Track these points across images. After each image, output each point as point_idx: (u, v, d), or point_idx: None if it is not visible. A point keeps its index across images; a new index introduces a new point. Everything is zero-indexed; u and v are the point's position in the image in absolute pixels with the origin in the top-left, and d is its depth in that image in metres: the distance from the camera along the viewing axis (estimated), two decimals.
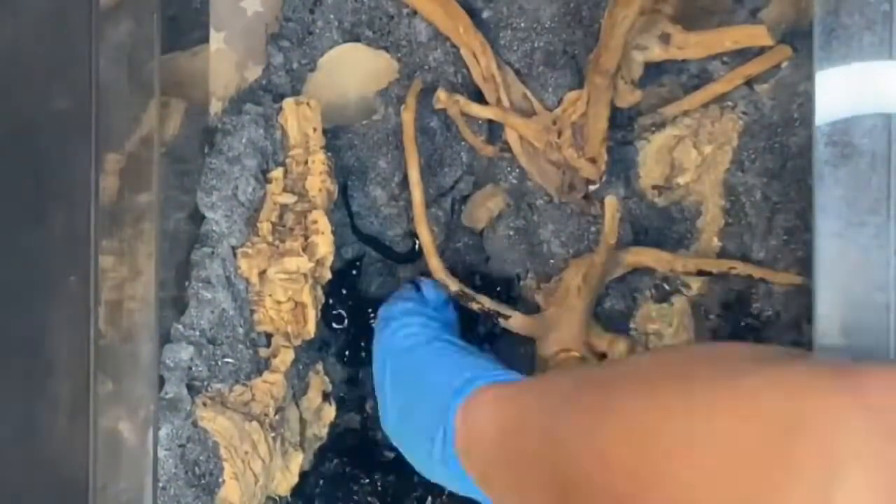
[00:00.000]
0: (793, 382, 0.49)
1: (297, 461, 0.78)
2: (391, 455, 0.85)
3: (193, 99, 0.78)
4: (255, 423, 0.74)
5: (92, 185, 0.65)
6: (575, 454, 0.56)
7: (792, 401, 0.48)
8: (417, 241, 0.84)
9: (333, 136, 0.82)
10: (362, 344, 0.85)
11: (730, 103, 0.81)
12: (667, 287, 0.83)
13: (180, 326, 0.74)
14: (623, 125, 0.82)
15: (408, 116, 0.80)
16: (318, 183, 0.78)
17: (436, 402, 0.69)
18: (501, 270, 0.86)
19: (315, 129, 0.78)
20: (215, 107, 0.81)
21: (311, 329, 0.78)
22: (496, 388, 0.67)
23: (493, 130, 0.84)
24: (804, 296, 0.78)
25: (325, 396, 0.82)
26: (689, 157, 0.82)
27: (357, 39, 0.84)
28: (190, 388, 0.73)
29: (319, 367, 0.82)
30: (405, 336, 0.75)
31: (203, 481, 0.72)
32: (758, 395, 0.49)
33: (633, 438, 0.53)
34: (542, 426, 0.61)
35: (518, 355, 0.85)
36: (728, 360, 0.54)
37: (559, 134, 0.80)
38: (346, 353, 0.86)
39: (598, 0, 0.81)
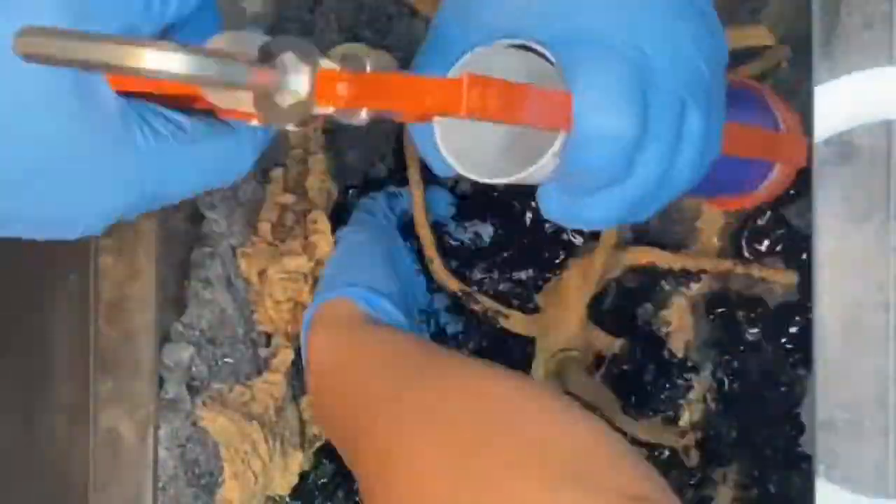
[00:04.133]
0: None
1: (297, 461, 0.78)
2: None
3: None
4: (254, 423, 0.74)
5: None
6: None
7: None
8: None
9: (333, 136, 0.82)
10: None
11: None
12: (666, 287, 0.83)
13: (180, 326, 0.74)
14: None
15: None
16: (318, 183, 0.78)
17: None
18: None
19: (315, 129, 0.78)
20: None
21: None
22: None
23: None
24: (804, 296, 0.78)
25: None
26: None
27: (357, 39, 0.84)
28: (190, 388, 0.73)
29: None
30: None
31: (203, 481, 0.72)
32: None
33: None
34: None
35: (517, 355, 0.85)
36: None
37: None
38: None
39: None
